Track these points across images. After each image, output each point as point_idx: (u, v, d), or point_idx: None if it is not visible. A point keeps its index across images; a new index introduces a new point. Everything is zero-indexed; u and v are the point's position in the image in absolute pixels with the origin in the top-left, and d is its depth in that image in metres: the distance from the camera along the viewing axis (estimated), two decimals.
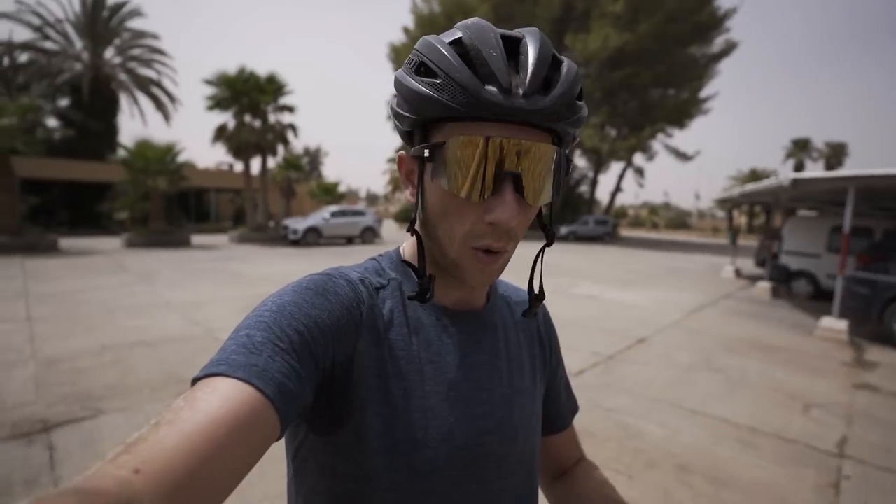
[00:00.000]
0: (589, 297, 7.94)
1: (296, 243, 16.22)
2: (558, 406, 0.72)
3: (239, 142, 17.06)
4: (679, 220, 54.54)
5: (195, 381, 0.38)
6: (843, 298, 6.02)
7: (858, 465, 2.75)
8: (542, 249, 0.57)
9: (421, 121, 0.48)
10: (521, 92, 0.44)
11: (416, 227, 0.54)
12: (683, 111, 26.38)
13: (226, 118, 17.38)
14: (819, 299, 8.47)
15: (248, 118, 17.37)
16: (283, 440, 0.54)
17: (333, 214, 17.32)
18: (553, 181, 0.49)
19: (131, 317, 5.51)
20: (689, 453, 2.81)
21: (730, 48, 25.20)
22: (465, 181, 0.46)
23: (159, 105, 25.96)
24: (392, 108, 0.52)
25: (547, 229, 0.56)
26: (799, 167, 41.04)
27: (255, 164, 18.47)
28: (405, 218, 30.56)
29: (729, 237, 15.42)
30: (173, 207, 17.82)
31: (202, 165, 25.48)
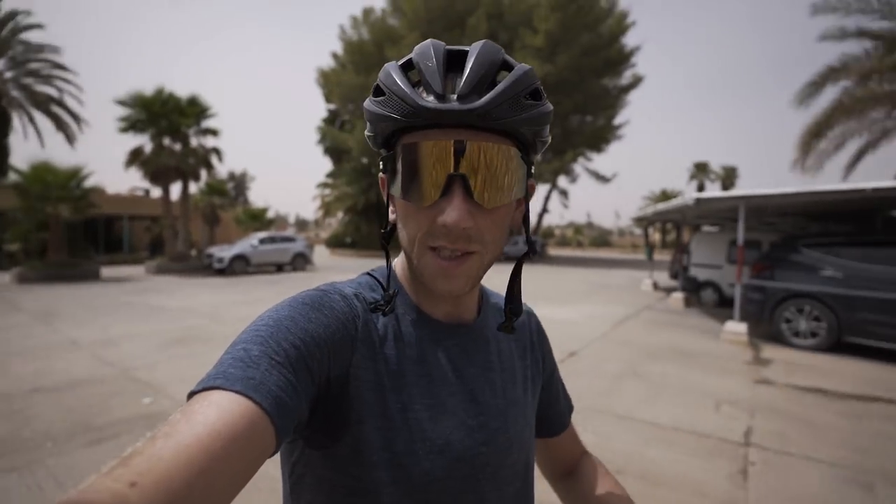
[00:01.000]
0: None
1: (221, 272, 15.29)
2: (556, 409, 0.74)
3: (157, 166, 16.00)
4: (602, 238, 58.22)
5: (191, 395, 0.38)
6: (742, 304, 6.73)
7: (761, 452, 3.07)
8: (520, 262, 0.59)
9: (380, 138, 0.51)
10: (455, 96, 0.45)
11: (397, 242, 0.56)
12: (600, 137, 28.57)
13: (142, 141, 16.27)
14: (723, 306, 9.37)
15: (167, 141, 16.37)
16: (277, 456, 0.54)
17: (262, 241, 16.61)
18: (513, 181, 0.49)
19: (27, 361, 4.88)
20: (621, 457, 2.99)
21: (637, 81, 27.82)
22: (412, 186, 0.47)
23: (60, 125, 23.65)
24: (365, 134, 0.55)
25: (528, 241, 0.57)
26: (700, 188, 45.72)
27: (176, 190, 17.38)
28: (337, 243, 29.95)
29: (646, 253, 16.62)
30: (78, 237, 16.20)
31: (113, 191, 23.46)
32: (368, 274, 0.60)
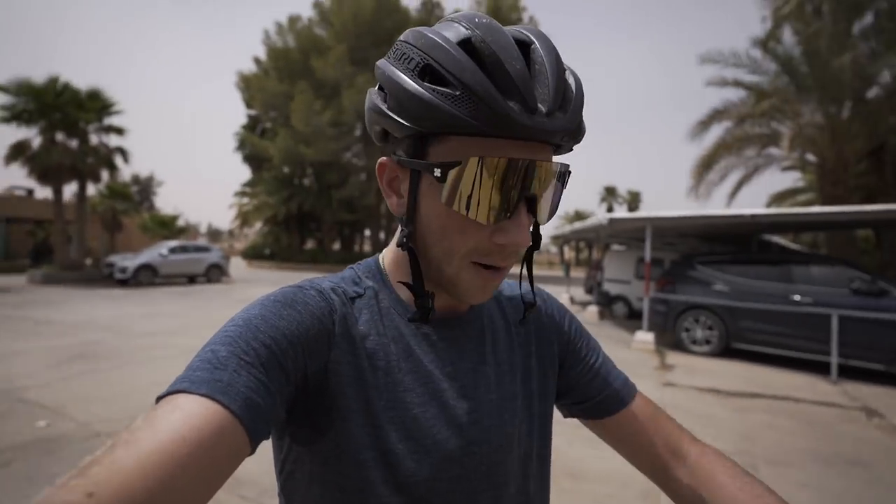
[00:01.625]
0: None
1: (125, 283, 13.85)
2: (601, 387, 0.64)
3: (47, 164, 14.18)
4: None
5: (158, 400, 0.37)
6: (649, 316, 7.42)
7: None
8: (531, 253, 0.56)
9: (422, 132, 0.43)
10: (544, 110, 0.41)
11: (408, 241, 0.50)
12: None
13: (28, 134, 14.38)
14: (633, 318, 10.21)
15: (60, 137, 14.62)
16: (271, 452, 0.54)
17: (172, 250, 15.30)
18: (559, 196, 0.48)
19: None
20: None
21: None
22: (483, 205, 0.42)
23: None
24: (378, 110, 0.46)
25: (538, 234, 0.53)
26: (610, 209, 49.81)
27: (70, 192, 15.54)
28: (255, 255, 28.29)
29: (563, 269, 17.63)
30: None
31: None
32: (352, 268, 0.57)
